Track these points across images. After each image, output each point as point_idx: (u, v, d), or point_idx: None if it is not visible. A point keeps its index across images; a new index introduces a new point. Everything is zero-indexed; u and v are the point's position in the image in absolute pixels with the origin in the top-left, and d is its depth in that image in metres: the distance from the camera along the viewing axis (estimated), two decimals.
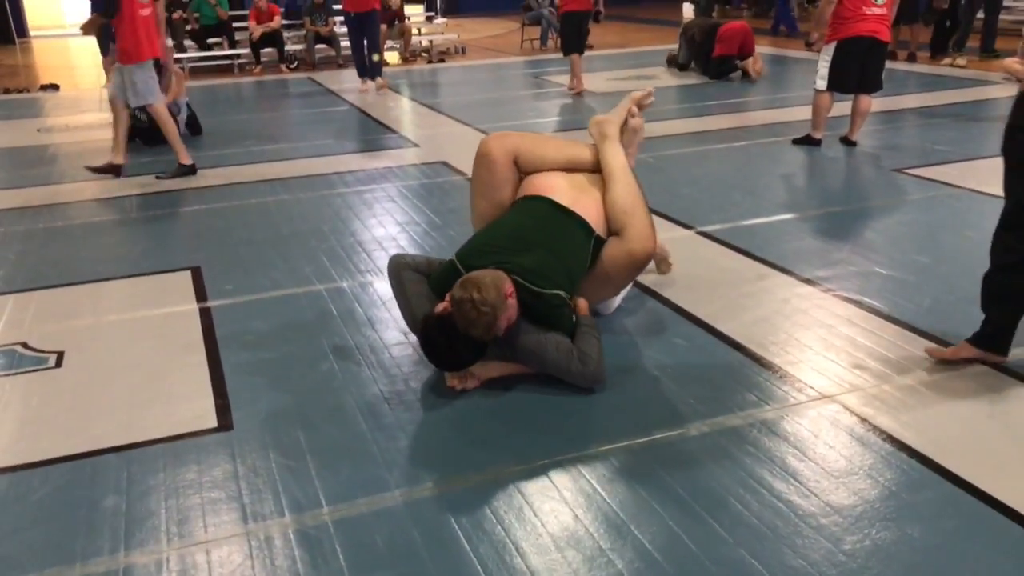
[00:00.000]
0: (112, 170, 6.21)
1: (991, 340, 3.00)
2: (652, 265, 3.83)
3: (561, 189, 3.25)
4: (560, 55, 10.18)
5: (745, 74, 9.93)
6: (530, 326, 2.93)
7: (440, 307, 2.87)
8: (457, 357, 2.88)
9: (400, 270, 3.16)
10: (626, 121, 3.57)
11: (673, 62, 11.03)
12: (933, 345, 3.15)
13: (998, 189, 3.03)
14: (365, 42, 10.11)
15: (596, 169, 3.40)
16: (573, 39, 9.41)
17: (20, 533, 2.32)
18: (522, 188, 3.36)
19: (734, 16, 18.20)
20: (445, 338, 2.81)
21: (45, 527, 2.34)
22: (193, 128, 7.70)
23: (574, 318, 3.02)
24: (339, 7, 14.55)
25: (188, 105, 7.67)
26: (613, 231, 3.20)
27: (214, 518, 2.36)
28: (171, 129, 6.24)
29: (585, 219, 3.17)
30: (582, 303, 3.13)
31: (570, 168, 3.40)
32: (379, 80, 10.12)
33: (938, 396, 2.85)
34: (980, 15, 10.76)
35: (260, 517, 2.35)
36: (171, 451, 2.69)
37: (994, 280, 2.96)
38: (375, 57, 10.12)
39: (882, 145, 6.53)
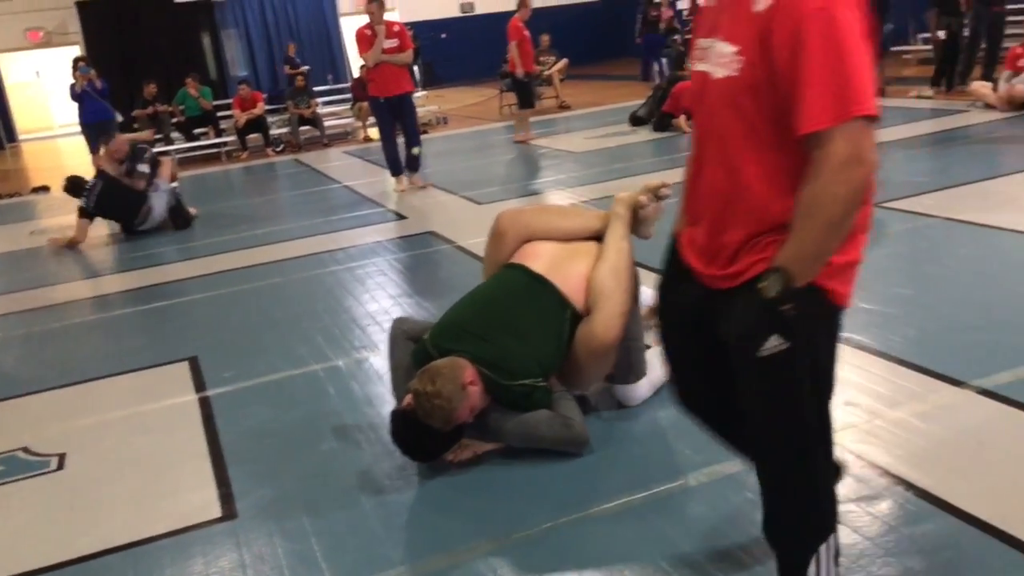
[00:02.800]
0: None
1: None
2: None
3: (544, 257, 3.16)
4: (535, 117, 10.47)
5: (678, 129, 10.00)
6: (505, 410, 2.92)
7: (405, 400, 2.90)
8: (424, 450, 2.91)
9: (395, 339, 3.22)
10: (637, 208, 3.33)
11: (633, 119, 11.25)
12: None
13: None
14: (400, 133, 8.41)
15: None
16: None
17: None
18: (515, 253, 3.30)
19: None
20: (411, 432, 2.85)
21: None
22: (176, 220, 7.74)
23: (550, 392, 2.96)
24: (321, 88, 14.99)
25: (177, 194, 7.82)
26: (588, 310, 3.05)
27: None
28: None
29: (561, 289, 3.05)
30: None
31: (578, 237, 3.29)
32: (416, 177, 8.40)
33: (929, 427, 2.89)
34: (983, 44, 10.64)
35: None
36: (177, 545, 2.72)
37: None
38: (415, 151, 8.33)
39: None
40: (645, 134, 10.24)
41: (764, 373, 1.69)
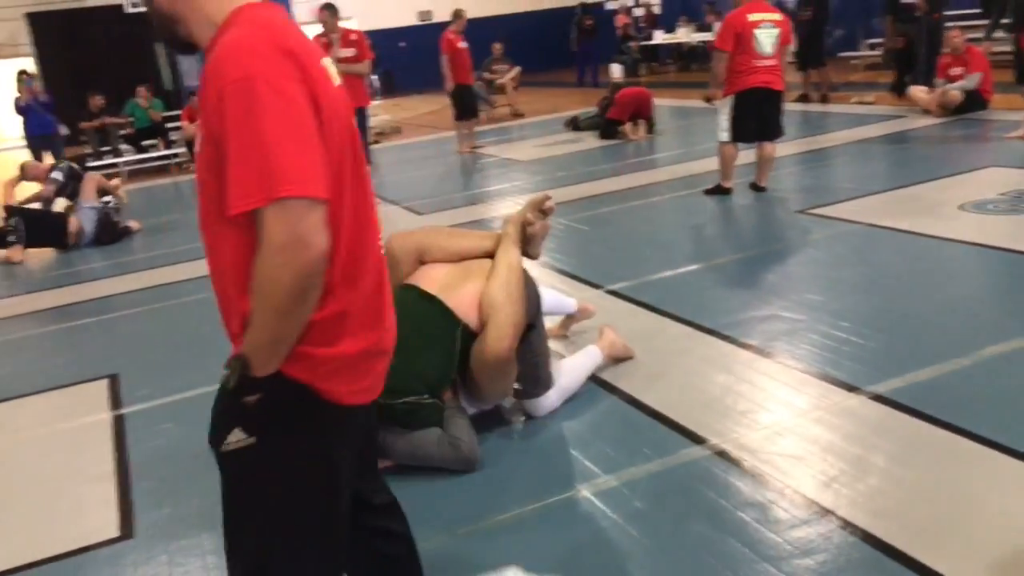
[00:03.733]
0: None
1: None
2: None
3: (437, 278, 3.18)
4: (489, 126, 10.49)
5: (624, 137, 10.13)
6: (396, 428, 2.94)
7: None
8: None
9: None
10: (525, 226, 3.38)
11: (571, 124, 11.36)
12: None
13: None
14: None
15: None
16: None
17: None
18: (410, 275, 3.30)
19: (660, 73, 18.82)
20: None
21: None
22: (102, 236, 7.65)
23: (439, 408, 3.00)
24: None
25: (107, 210, 7.80)
26: (483, 326, 3.06)
27: None
28: None
29: (450, 307, 3.07)
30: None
31: (470, 257, 3.31)
32: None
33: (819, 432, 2.95)
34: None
35: None
36: (68, 567, 2.71)
37: None
38: None
39: (791, 187, 6.77)
40: (592, 141, 10.31)
41: (227, 471, 1.53)
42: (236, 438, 1.47)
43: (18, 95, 10.92)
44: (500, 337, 2.97)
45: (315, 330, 1.47)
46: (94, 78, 15.37)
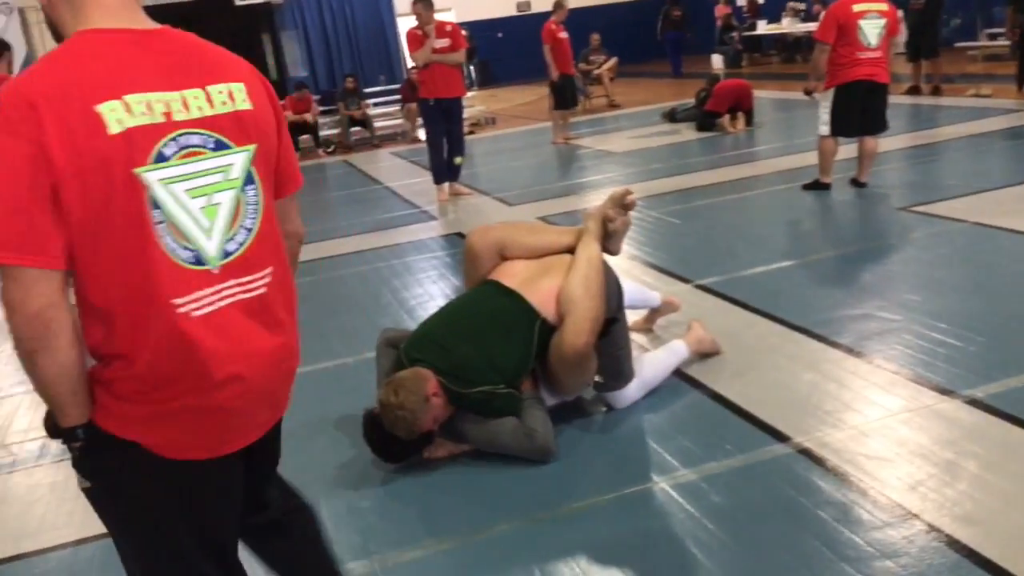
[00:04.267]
0: None
1: None
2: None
3: (515, 273, 3.22)
4: (584, 116, 10.51)
5: (722, 129, 9.94)
6: (473, 416, 3.01)
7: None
8: (392, 453, 3.02)
9: (379, 347, 3.36)
10: (605, 222, 3.34)
11: (668, 115, 11.22)
12: None
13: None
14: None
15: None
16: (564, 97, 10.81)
17: None
18: (491, 271, 3.34)
19: (763, 64, 18.38)
20: (380, 435, 2.98)
21: None
22: None
23: (516, 398, 3.02)
24: (372, 89, 15.23)
25: None
26: (561, 319, 3.07)
27: None
28: None
29: (530, 301, 3.10)
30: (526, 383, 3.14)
31: (549, 253, 3.33)
32: (458, 185, 8.15)
33: (909, 434, 2.88)
34: None
35: None
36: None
37: None
38: (457, 160, 8.03)
39: (893, 184, 6.54)
40: (689, 134, 10.18)
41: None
42: (80, 481, 1.55)
43: None
44: (578, 332, 2.99)
45: (114, 385, 1.47)
46: None
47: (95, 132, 1.36)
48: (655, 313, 4.09)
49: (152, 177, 1.41)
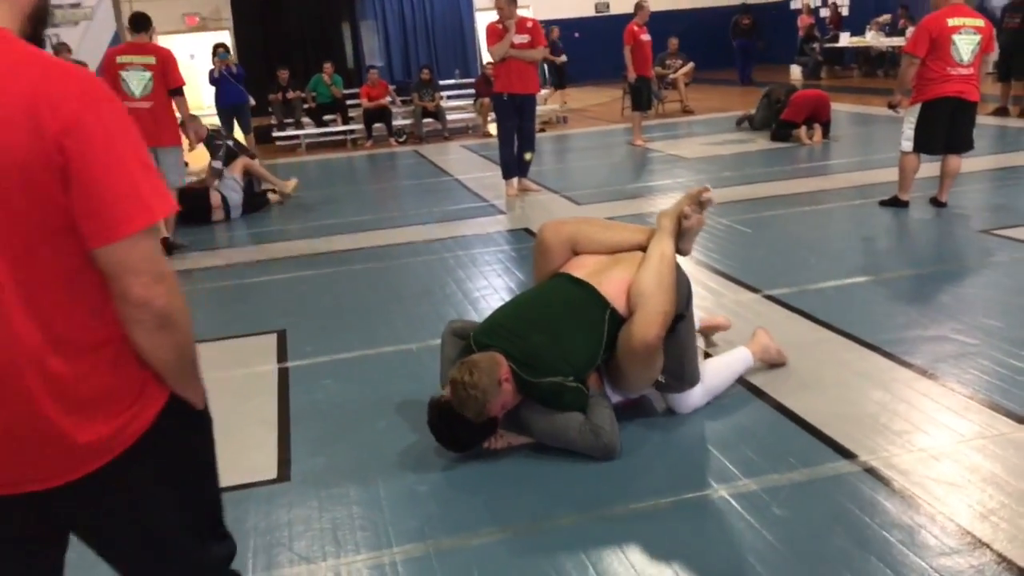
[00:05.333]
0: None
1: None
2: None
3: (586, 266, 3.24)
4: (657, 120, 10.45)
5: (797, 140, 9.73)
6: (540, 407, 3.00)
7: (445, 392, 3.03)
8: (456, 440, 3.03)
9: (445, 337, 3.38)
10: (681, 219, 3.33)
11: (743, 122, 11.08)
12: None
13: None
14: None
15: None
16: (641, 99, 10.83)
17: None
18: (562, 265, 3.35)
19: (843, 77, 18.01)
20: (445, 422, 2.98)
21: None
22: (247, 206, 8.13)
23: (583, 393, 3.02)
24: (447, 82, 15.32)
25: (242, 185, 8.17)
26: (631, 312, 3.07)
27: (263, 558, 2.57)
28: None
29: (601, 292, 3.10)
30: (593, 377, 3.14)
31: (621, 250, 3.34)
32: (526, 182, 8.20)
33: (983, 461, 2.79)
34: None
35: (305, 560, 2.55)
36: (232, 499, 2.92)
37: None
38: (528, 156, 8.05)
39: (975, 205, 6.35)
40: (762, 143, 10.03)
41: None
42: None
43: (212, 67, 11.72)
44: (648, 323, 2.96)
45: None
46: (285, 53, 16.37)
47: None
48: (709, 330, 4.01)
49: None
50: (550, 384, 2.96)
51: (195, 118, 7.70)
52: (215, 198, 7.95)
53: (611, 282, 3.13)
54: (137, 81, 6.41)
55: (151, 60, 6.44)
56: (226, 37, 17.97)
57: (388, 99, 13.18)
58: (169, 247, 6.47)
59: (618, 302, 3.10)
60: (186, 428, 1.56)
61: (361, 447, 3.25)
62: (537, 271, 3.47)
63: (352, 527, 2.73)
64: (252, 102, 11.91)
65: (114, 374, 1.40)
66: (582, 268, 3.24)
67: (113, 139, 1.30)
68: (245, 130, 11.63)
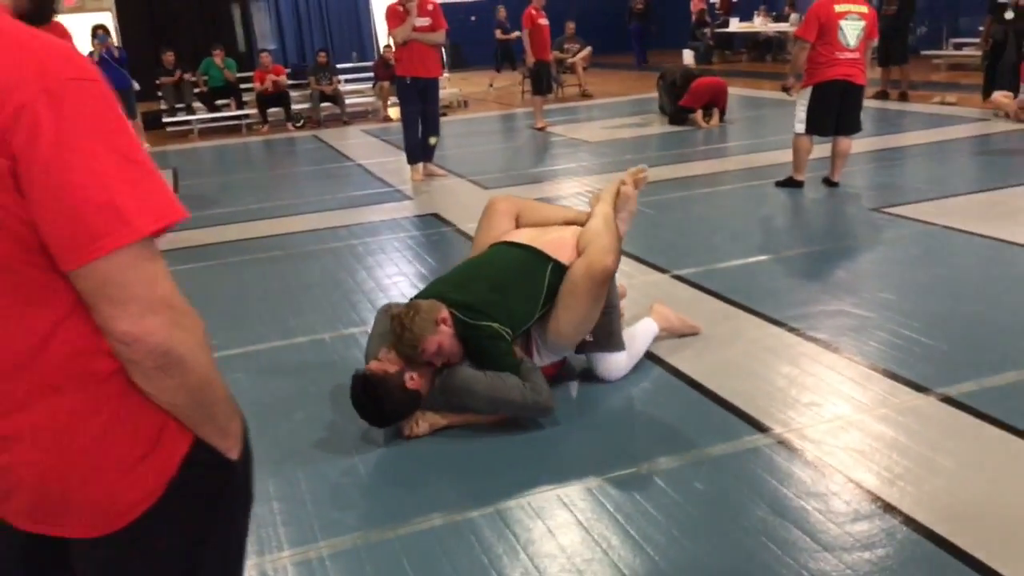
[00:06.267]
0: None
1: None
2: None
3: (525, 235, 3.45)
4: (556, 105, 10.51)
5: (694, 124, 9.97)
6: (477, 371, 3.03)
7: (371, 365, 3.03)
8: (380, 414, 3.01)
9: (379, 313, 3.45)
10: (618, 191, 3.61)
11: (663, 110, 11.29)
12: None
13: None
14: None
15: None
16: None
17: None
18: (502, 236, 3.52)
19: (733, 61, 18.53)
20: (369, 395, 2.97)
21: None
22: None
23: (517, 357, 3.10)
24: (344, 65, 15.02)
25: None
26: (578, 254, 3.25)
27: None
28: None
29: (541, 249, 3.29)
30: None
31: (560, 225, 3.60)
32: (432, 166, 8.16)
33: (886, 430, 2.93)
34: None
35: None
36: None
37: None
38: (432, 140, 8.01)
39: (865, 184, 6.65)
40: (660, 126, 10.23)
41: None
42: None
43: (92, 50, 11.15)
44: (606, 252, 3.15)
45: None
46: (170, 36, 15.70)
47: None
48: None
49: None
50: (488, 328, 3.03)
51: None
52: None
53: (551, 242, 3.33)
54: None
55: None
56: (107, 18, 17.11)
57: (280, 82, 12.81)
58: None
59: (561, 254, 3.27)
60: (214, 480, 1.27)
61: (280, 441, 3.16)
62: (477, 239, 3.61)
63: (275, 523, 2.65)
64: (136, 87, 11.39)
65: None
66: (520, 236, 3.43)
67: (77, 133, 1.04)
68: (131, 116, 11.11)
